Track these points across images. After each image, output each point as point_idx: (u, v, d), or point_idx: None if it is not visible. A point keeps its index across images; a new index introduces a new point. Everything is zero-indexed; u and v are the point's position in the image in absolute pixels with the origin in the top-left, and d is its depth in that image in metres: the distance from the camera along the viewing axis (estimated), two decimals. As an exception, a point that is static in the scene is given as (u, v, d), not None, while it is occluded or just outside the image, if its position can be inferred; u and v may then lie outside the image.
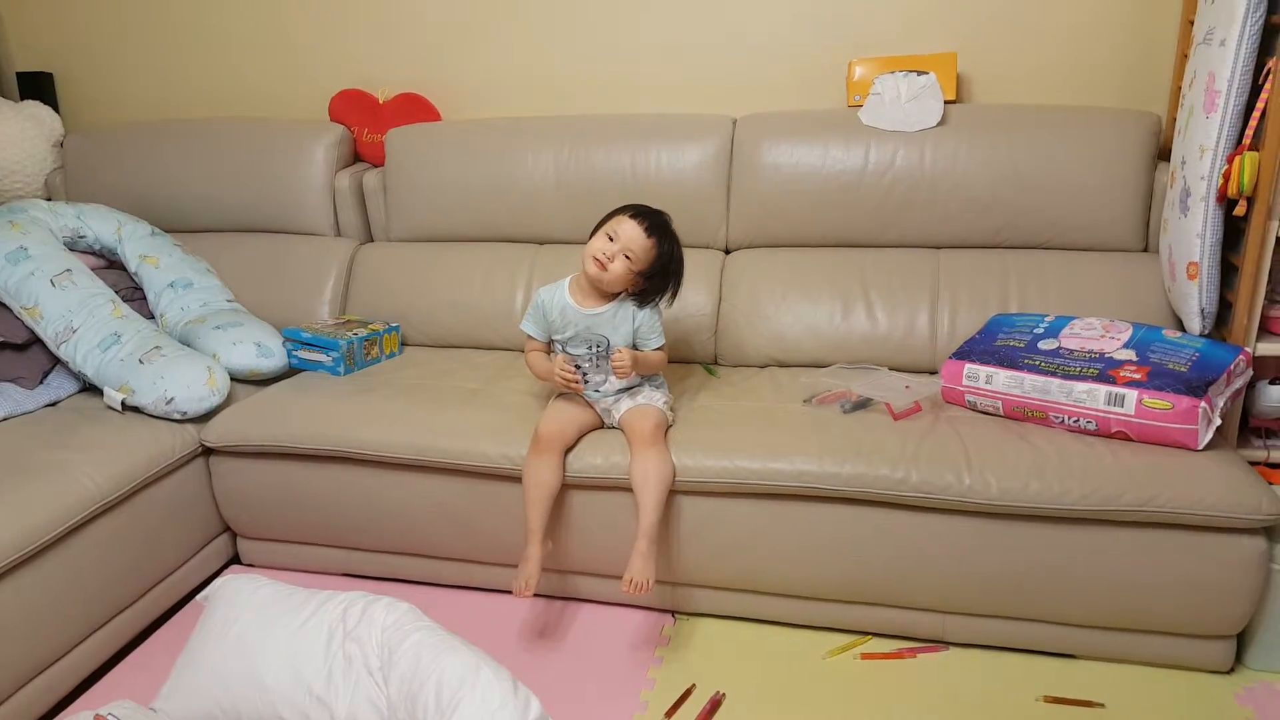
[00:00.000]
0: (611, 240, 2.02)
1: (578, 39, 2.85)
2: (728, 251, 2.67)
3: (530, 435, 2.06)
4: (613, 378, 2.09)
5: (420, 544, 2.24)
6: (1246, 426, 2.20)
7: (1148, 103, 2.53)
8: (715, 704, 1.90)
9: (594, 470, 2.04)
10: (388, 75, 2.98)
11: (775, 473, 1.97)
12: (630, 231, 2.02)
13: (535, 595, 2.00)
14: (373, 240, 2.94)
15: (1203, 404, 1.86)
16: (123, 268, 2.66)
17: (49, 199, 3.02)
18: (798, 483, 1.95)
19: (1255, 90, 1.93)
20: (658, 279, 2.09)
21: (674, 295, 2.14)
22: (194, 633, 1.89)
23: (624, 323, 2.10)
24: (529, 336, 2.18)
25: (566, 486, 2.05)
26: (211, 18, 3.08)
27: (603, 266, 2.02)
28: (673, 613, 2.19)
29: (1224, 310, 2.13)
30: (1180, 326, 2.24)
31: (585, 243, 2.08)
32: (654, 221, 2.05)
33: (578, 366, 2.07)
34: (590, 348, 2.09)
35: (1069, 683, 1.93)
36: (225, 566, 2.42)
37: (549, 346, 2.20)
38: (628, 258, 2.02)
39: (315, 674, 1.76)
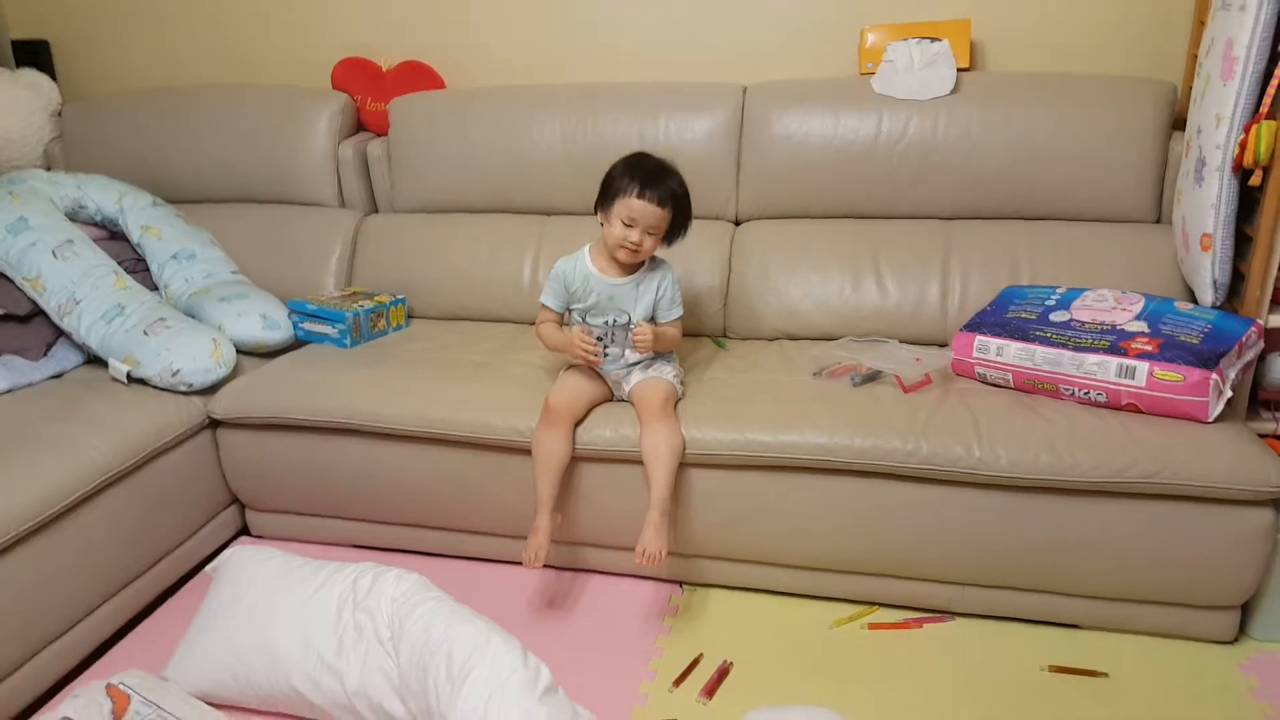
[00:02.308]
0: (631, 225, 2.00)
1: (585, 5, 2.81)
2: (737, 223, 2.65)
3: (538, 408, 2.05)
4: (630, 352, 2.08)
5: (429, 516, 2.24)
6: (1256, 399, 2.19)
7: (1162, 71, 2.50)
8: (723, 672, 1.91)
9: (603, 442, 2.04)
10: (391, 43, 2.94)
11: (785, 445, 1.96)
12: (645, 212, 2.00)
13: (544, 566, 2.01)
14: (377, 211, 2.92)
15: (1214, 376, 1.85)
16: (125, 239, 2.64)
17: (48, 169, 2.99)
18: (808, 455, 1.95)
19: (1274, 57, 1.91)
20: (677, 223, 2.08)
21: (687, 225, 2.12)
22: (204, 603, 1.92)
23: (646, 293, 2.10)
24: (544, 307, 2.16)
25: (576, 459, 2.05)
26: (211, -18, 3.04)
27: (635, 253, 2.02)
28: (681, 583, 2.19)
29: (1236, 282, 2.11)
30: (1192, 298, 2.22)
31: (592, 212, 2.07)
32: (662, 192, 2.01)
33: (598, 339, 2.06)
34: (610, 320, 2.07)
35: (1073, 653, 1.94)
36: (234, 538, 2.42)
37: (563, 318, 2.19)
38: (651, 234, 2.02)
39: (326, 643, 1.77)
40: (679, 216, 2.06)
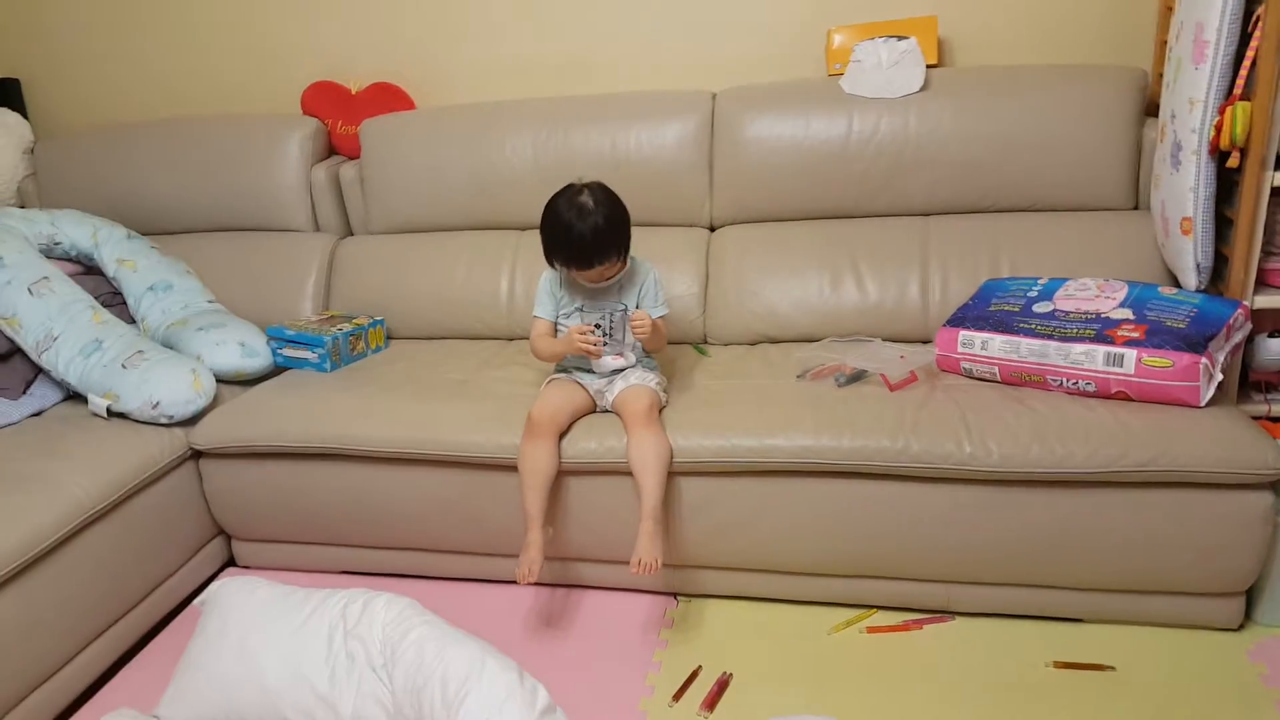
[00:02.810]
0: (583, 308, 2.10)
1: (551, 20, 2.79)
2: (712, 229, 2.64)
3: (522, 423, 2.03)
4: (629, 340, 2.07)
5: (417, 538, 2.22)
6: (1246, 381, 2.18)
7: (1131, 58, 2.49)
8: (723, 684, 1.88)
9: (589, 455, 2.02)
10: (359, 65, 2.93)
11: (773, 449, 1.94)
12: (587, 278, 2.09)
13: (536, 584, 1.98)
14: (352, 234, 2.90)
15: (1203, 360, 1.84)
16: (100, 273, 2.61)
17: (22, 206, 2.97)
18: (796, 459, 1.93)
19: (1244, 39, 1.90)
20: (619, 247, 2.07)
21: (625, 240, 2.10)
22: (193, 638, 1.87)
23: (629, 297, 2.13)
24: (536, 319, 2.17)
25: (562, 473, 2.02)
26: (178, 13, 3.02)
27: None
28: (675, 595, 2.17)
29: (1219, 265, 2.11)
30: (1175, 283, 2.21)
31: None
32: (593, 260, 2.02)
33: (597, 326, 2.04)
34: (608, 312, 2.06)
35: (1078, 647, 1.92)
36: (221, 570, 2.39)
37: (555, 330, 2.18)
38: (607, 275, 2.08)
39: (318, 673, 1.74)
40: (617, 247, 2.05)
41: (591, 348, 2.03)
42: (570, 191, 2.04)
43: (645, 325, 2.03)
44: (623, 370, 2.12)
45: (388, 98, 2.87)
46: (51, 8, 3.10)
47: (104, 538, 2.00)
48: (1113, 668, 1.86)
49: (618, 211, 2.04)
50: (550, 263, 2.10)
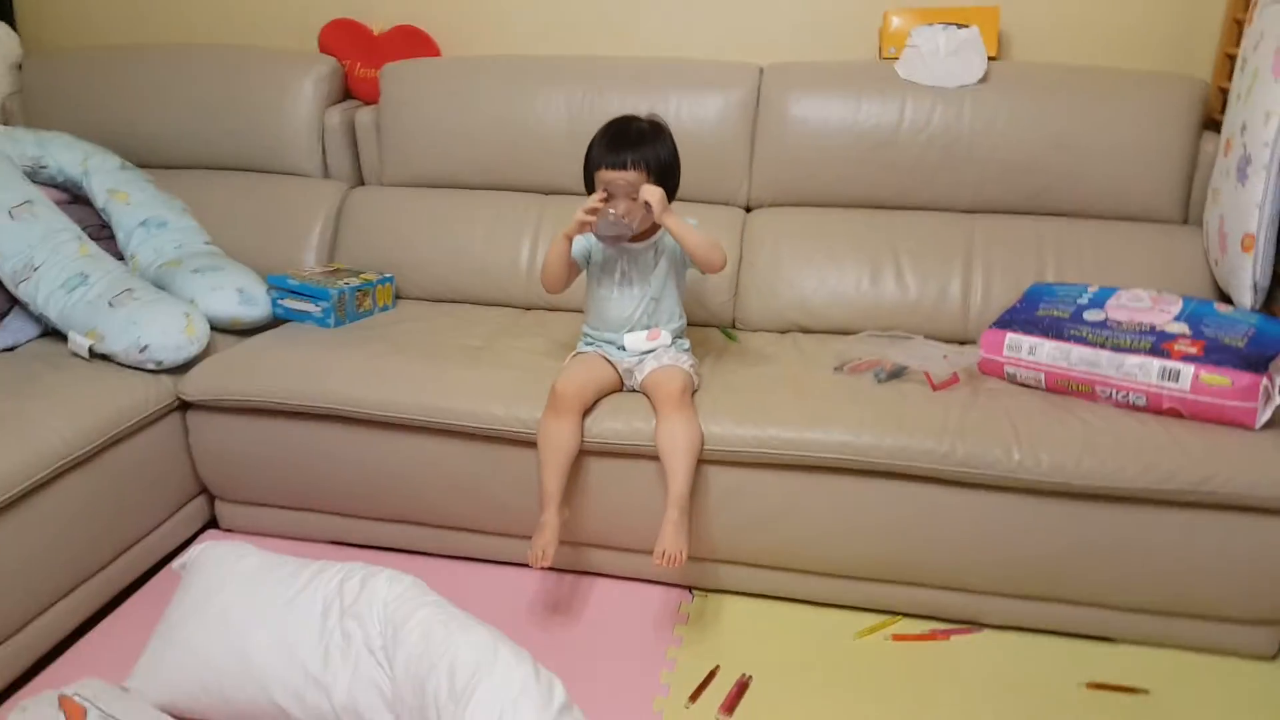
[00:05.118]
0: (609, 198, 1.89)
1: (593, -27, 2.67)
2: (749, 209, 2.53)
3: (542, 396, 1.91)
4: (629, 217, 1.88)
5: (420, 511, 2.08)
6: (1284, 406, 2.11)
7: (1190, 67, 2.43)
8: (742, 687, 1.78)
9: (614, 435, 1.90)
10: (384, 5, 2.78)
11: (811, 443, 1.83)
12: (615, 180, 1.90)
13: (546, 569, 1.86)
14: (364, 184, 2.75)
15: (1264, 380, 1.76)
16: (88, 203, 2.43)
17: (6, 124, 2.77)
18: (836, 454, 1.83)
19: (1330, 53, 1.83)
20: (663, 176, 1.94)
21: (675, 174, 2.00)
22: (171, 604, 1.75)
23: (664, 250, 2.00)
24: (558, 239, 1.98)
25: (582, 453, 1.90)
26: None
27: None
28: (691, 589, 2.06)
29: (1272, 286, 2.04)
30: (1225, 301, 2.14)
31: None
32: (625, 155, 1.89)
33: (607, 196, 1.89)
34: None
35: (1109, 668, 1.85)
36: (201, 531, 2.24)
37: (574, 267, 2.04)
38: (633, 198, 1.89)
39: (310, 653, 1.62)
40: (661, 170, 1.93)
41: (588, 217, 1.85)
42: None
43: (656, 194, 1.86)
44: (654, 350, 1.99)
45: (412, 42, 2.73)
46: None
47: (78, 488, 1.85)
48: (1147, 691, 1.79)
49: (670, 139, 1.98)
50: (587, 182, 1.96)
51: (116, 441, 1.94)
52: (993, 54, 2.38)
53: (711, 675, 1.80)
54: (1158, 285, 2.13)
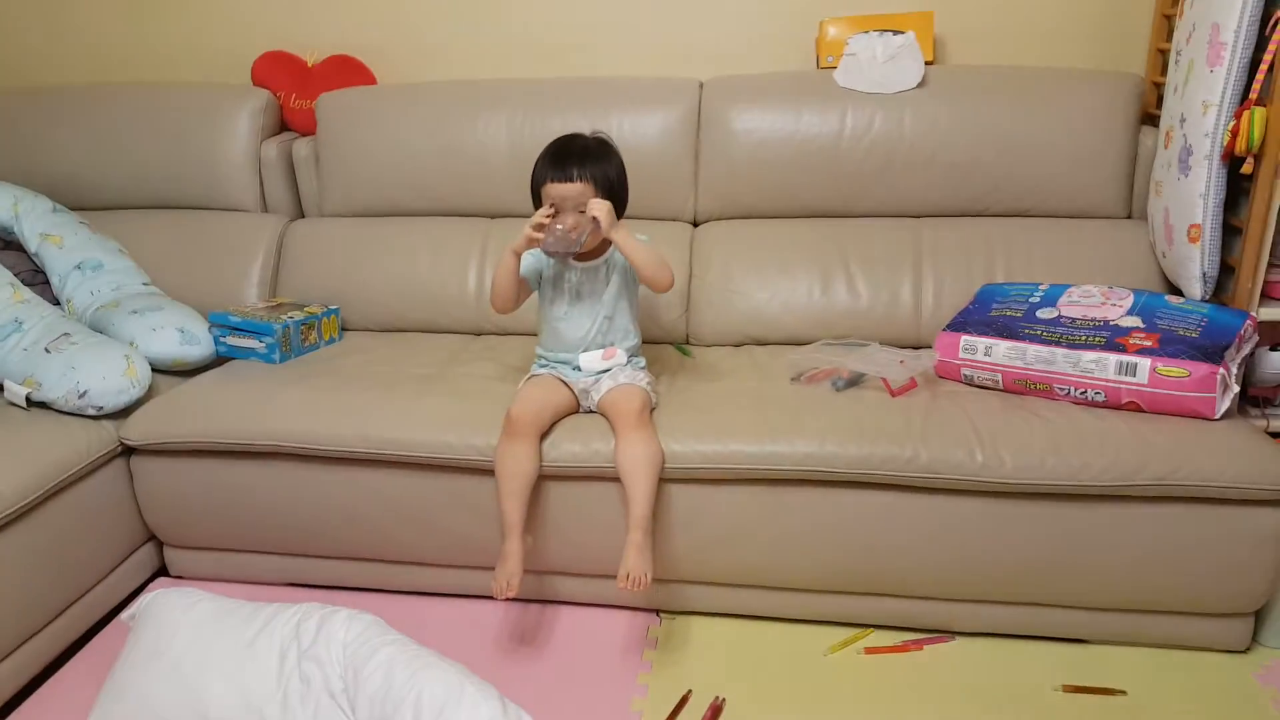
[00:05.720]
0: (556, 213, 1.86)
1: (526, -3, 2.65)
2: (696, 224, 2.51)
3: (497, 423, 1.86)
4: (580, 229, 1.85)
5: (377, 547, 2.02)
6: (1245, 395, 2.12)
7: (1124, 64, 2.46)
8: (716, 710, 1.74)
9: (572, 458, 1.86)
10: (317, 36, 2.74)
11: (774, 456, 1.81)
12: (560, 194, 1.87)
13: (509, 600, 1.81)
14: (304, 216, 2.69)
15: (1220, 370, 1.77)
16: (20, 248, 2.36)
17: (-71, 172, 2.69)
18: (799, 466, 1.80)
19: (1261, 42, 1.85)
20: (610, 190, 1.92)
21: (622, 188, 1.98)
22: (121, 657, 1.69)
23: (616, 266, 1.97)
24: (508, 254, 1.94)
25: (541, 477, 1.86)
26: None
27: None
28: (658, 612, 2.02)
29: (1222, 275, 2.05)
30: (1174, 293, 2.15)
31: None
32: (569, 170, 1.87)
33: (553, 212, 1.86)
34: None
35: (1084, 669, 1.83)
36: (150, 580, 2.16)
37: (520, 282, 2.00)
38: (581, 211, 1.86)
39: (268, 699, 1.57)
40: (609, 186, 1.91)
41: (536, 233, 1.82)
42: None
43: (602, 207, 1.84)
44: (610, 370, 1.96)
45: (347, 72, 2.68)
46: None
47: (20, 541, 1.78)
48: (1124, 692, 1.77)
49: (616, 155, 1.97)
50: (535, 198, 1.93)
51: (58, 492, 1.86)
52: (929, 59, 2.39)
53: (684, 700, 1.76)
54: (1108, 280, 2.14)
